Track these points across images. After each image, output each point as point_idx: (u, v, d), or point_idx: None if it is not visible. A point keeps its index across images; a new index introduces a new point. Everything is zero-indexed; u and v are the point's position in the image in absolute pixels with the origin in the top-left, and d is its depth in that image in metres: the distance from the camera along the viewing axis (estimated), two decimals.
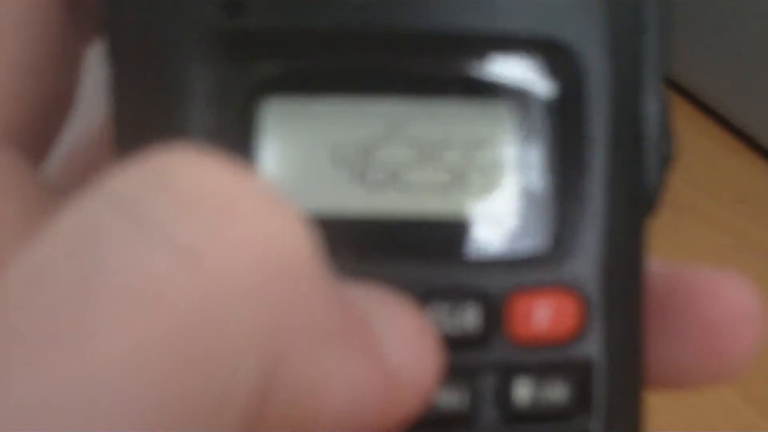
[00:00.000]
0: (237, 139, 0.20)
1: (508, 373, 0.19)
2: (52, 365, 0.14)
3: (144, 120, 0.20)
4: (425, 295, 0.19)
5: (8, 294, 0.14)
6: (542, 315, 0.19)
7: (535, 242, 0.20)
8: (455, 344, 0.19)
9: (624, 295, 0.20)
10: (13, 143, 0.20)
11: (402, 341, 0.17)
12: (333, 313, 0.16)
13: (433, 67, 0.20)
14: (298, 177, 0.20)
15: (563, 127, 0.20)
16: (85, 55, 0.22)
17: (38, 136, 0.21)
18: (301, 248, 0.16)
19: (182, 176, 0.15)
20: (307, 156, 0.20)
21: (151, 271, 0.14)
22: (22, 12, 0.20)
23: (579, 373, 0.19)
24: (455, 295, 0.19)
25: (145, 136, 0.19)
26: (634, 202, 0.20)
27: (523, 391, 0.19)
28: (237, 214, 0.15)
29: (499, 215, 0.20)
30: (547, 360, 0.19)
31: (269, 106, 0.20)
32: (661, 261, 0.21)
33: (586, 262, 0.19)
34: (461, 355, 0.19)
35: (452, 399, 0.19)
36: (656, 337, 0.21)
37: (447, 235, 0.20)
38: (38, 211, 0.20)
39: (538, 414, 0.19)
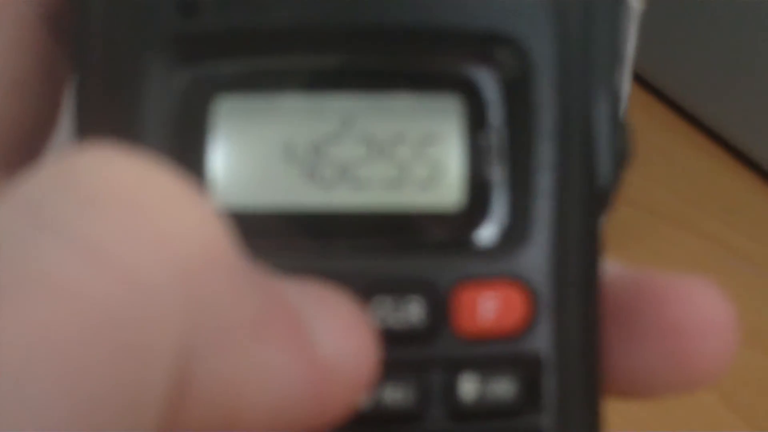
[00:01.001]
0: (190, 138, 0.20)
1: (454, 367, 0.19)
2: None
3: (100, 120, 0.20)
4: (369, 289, 0.19)
5: None
6: (488, 307, 0.19)
7: (482, 235, 0.20)
8: (400, 339, 0.19)
9: (576, 292, 0.20)
10: None
11: (335, 334, 0.17)
12: (255, 305, 0.16)
13: (385, 62, 0.20)
14: (249, 174, 0.20)
15: (512, 120, 0.20)
16: (70, 75, 0.22)
17: (18, 153, 0.21)
18: (216, 241, 0.15)
19: (88, 174, 0.15)
20: (260, 154, 0.20)
21: (55, 270, 0.14)
22: (8, 34, 0.20)
23: (527, 369, 0.19)
24: (399, 288, 0.19)
25: (101, 136, 0.19)
26: (586, 197, 0.20)
27: (469, 387, 0.19)
28: (147, 209, 0.15)
29: (445, 208, 0.20)
30: (494, 354, 0.19)
31: (223, 105, 0.20)
32: (632, 265, 0.21)
33: (533, 254, 0.19)
34: (406, 350, 0.19)
35: (397, 395, 0.19)
36: (625, 343, 0.20)
37: (393, 229, 0.20)
38: None
39: (485, 410, 0.19)
